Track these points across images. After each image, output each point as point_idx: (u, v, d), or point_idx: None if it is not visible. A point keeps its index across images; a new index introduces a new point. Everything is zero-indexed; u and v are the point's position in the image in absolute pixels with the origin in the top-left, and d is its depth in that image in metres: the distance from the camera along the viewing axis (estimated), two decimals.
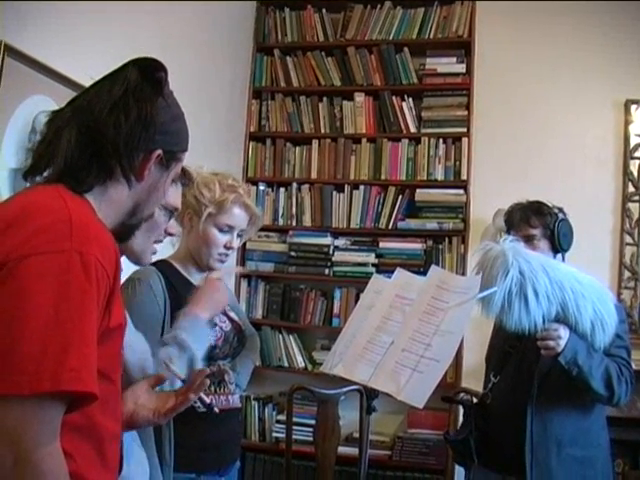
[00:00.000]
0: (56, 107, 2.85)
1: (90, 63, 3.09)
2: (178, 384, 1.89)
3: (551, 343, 2.57)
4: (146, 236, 1.95)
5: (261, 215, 2.76)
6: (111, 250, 1.29)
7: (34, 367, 1.12)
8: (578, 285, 2.58)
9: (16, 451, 1.12)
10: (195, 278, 2.59)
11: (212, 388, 2.48)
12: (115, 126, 1.35)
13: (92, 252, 1.21)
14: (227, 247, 2.57)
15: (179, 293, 2.44)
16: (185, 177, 2.08)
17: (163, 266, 2.46)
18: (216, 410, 2.33)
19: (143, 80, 1.41)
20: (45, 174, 1.38)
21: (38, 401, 1.13)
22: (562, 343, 2.56)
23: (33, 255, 1.18)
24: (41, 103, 2.86)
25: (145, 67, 1.43)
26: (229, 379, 2.56)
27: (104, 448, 1.34)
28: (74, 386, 1.15)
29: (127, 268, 2.06)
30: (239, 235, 2.63)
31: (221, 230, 2.54)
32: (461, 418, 3.30)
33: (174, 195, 2.03)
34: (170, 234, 2.07)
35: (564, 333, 2.57)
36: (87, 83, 1.47)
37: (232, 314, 2.64)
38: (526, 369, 2.74)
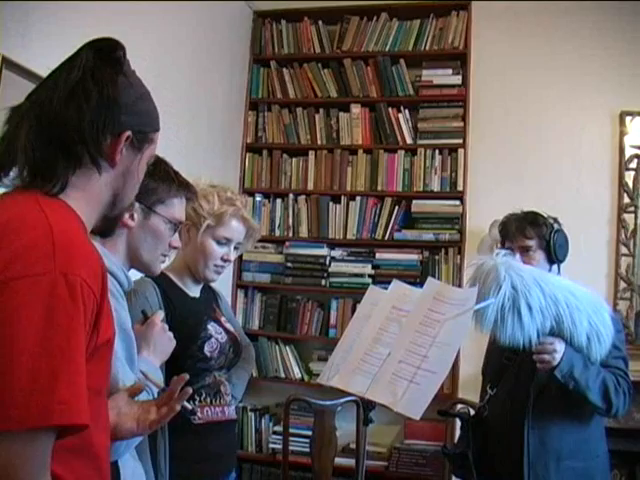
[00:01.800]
0: None
1: None
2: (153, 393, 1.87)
3: (546, 357, 2.57)
4: (153, 248, 1.96)
5: (258, 228, 2.77)
6: (96, 265, 1.24)
7: (23, 401, 1.08)
8: (572, 298, 2.58)
9: None
10: (191, 290, 2.60)
11: (208, 400, 2.48)
12: (77, 112, 1.29)
13: (77, 272, 1.17)
14: (224, 259, 2.58)
15: (175, 305, 2.45)
16: (190, 191, 2.09)
17: (159, 278, 2.46)
18: (199, 415, 2.32)
19: (100, 61, 1.34)
20: (12, 174, 1.32)
21: (28, 435, 1.10)
22: (557, 357, 2.56)
23: (17, 279, 1.13)
24: None
25: (101, 48, 1.37)
26: (225, 390, 2.57)
27: (100, 464, 1.32)
28: (65, 419, 1.11)
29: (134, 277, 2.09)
30: (236, 248, 2.64)
31: (219, 242, 2.56)
32: (458, 429, 3.30)
33: (179, 209, 2.04)
34: (174, 247, 2.08)
35: (559, 347, 2.56)
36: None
37: (228, 325, 2.65)
38: (523, 381, 2.73)
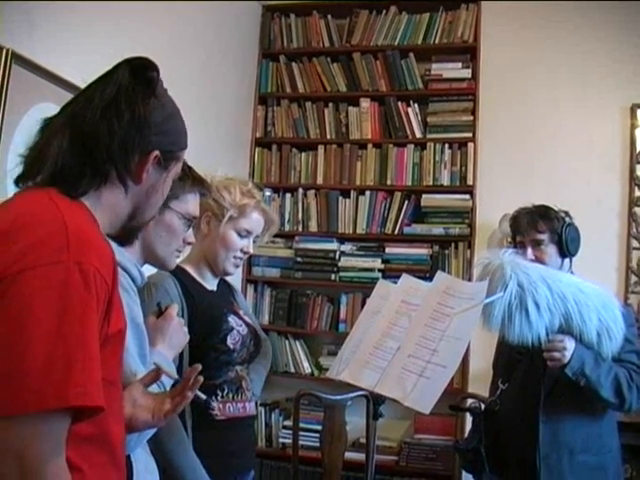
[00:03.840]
0: None
1: (98, 70, 3.11)
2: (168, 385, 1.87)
3: (556, 354, 2.56)
4: (167, 243, 1.96)
5: (277, 221, 2.77)
6: (108, 256, 1.27)
7: (39, 384, 1.10)
8: (581, 295, 2.56)
9: (24, 468, 1.11)
10: (209, 283, 2.59)
11: (230, 395, 2.47)
12: (108, 130, 1.33)
13: (90, 261, 1.19)
14: (244, 252, 2.58)
15: (194, 298, 2.44)
16: (204, 187, 2.09)
17: (177, 271, 2.44)
18: (214, 406, 2.31)
19: (134, 81, 1.38)
20: (37, 180, 1.35)
21: (44, 418, 1.12)
22: (568, 354, 2.55)
23: (31, 269, 1.15)
24: (48, 111, 2.83)
25: (136, 67, 1.40)
26: (246, 386, 2.55)
27: (116, 453, 1.34)
28: (80, 401, 1.13)
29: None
30: (254, 241, 2.64)
31: (239, 234, 2.55)
32: (468, 424, 3.29)
33: (193, 204, 2.04)
34: (188, 243, 2.08)
35: (569, 344, 2.55)
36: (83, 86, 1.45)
37: (247, 318, 2.64)
38: (535, 376, 2.72)
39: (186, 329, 2.09)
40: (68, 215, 1.24)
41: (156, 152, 1.39)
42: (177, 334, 2.05)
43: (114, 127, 1.33)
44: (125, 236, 1.48)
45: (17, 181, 1.38)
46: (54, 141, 1.33)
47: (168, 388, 1.85)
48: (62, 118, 1.37)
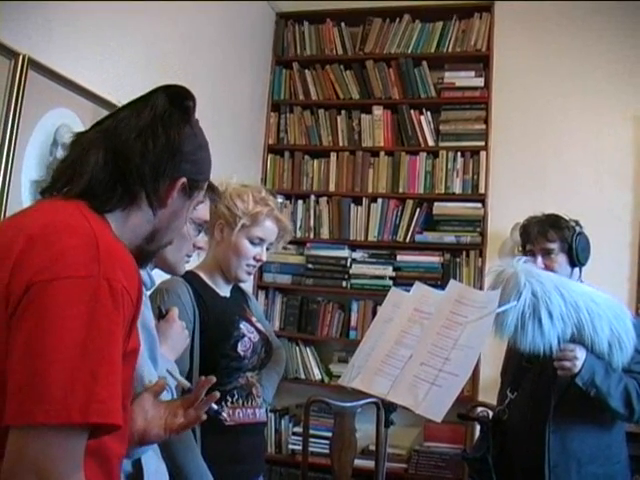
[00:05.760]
0: (78, 120, 2.89)
1: (113, 77, 3.13)
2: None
3: (567, 364, 2.55)
4: (177, 248, 1.98)
5: (291, 229, 2.76)
6: (134, 275, 1.27)
7: (63, 397, 1.09)
8: (594, 305, 2.55)
9: None
10: (222, 289, 2.60)
11: (240, 401, 2.48)
12: (142, 152, 1.35)
13: (119, 278, 1.20)
14: (256, 259, 2.58)
15: (206, 304, 2.46)
16: (214, 193, 2.10)
17: (190, 277, 2.46)
18: (224, 416, 2.32)
19: (171, 107, 1.40)
20: (64, 192, 1.35)
21: (66, 431, 1.12)
22: (578, 364, 2.54)
23: (61, 279, 1.15)
24: (63, 116, 2.90)
25: (174, 94, 1.42)
26: (257, 392, 2.56)
27: (110, 467, 1.32)
28: (102, 418, 1.13)
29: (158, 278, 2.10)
30: (267, 248, 2.64)
31: (252, 242, 2.56)
32: (478, 432, 3.29)
33: (203, 210, 2.05)
34: (199, 248, 2.09)
35: (580, 354, 2.55)
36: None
37: (259, 325, 2.64)
38: (544, 385, 2.71)
39: (187, 332, 2.11)
40: (98, 229, 1.25)
41: (184, 179, 1.41)
42: (178, 337, 2.07)
43: (148, 149, 1.35)
44: (140, 258, 1.47)
45: (43, 191, 1.39)
46: (90, 156, 1.34)
47: (175, 395, 1.87)
48: (95, 134, 1.39)
